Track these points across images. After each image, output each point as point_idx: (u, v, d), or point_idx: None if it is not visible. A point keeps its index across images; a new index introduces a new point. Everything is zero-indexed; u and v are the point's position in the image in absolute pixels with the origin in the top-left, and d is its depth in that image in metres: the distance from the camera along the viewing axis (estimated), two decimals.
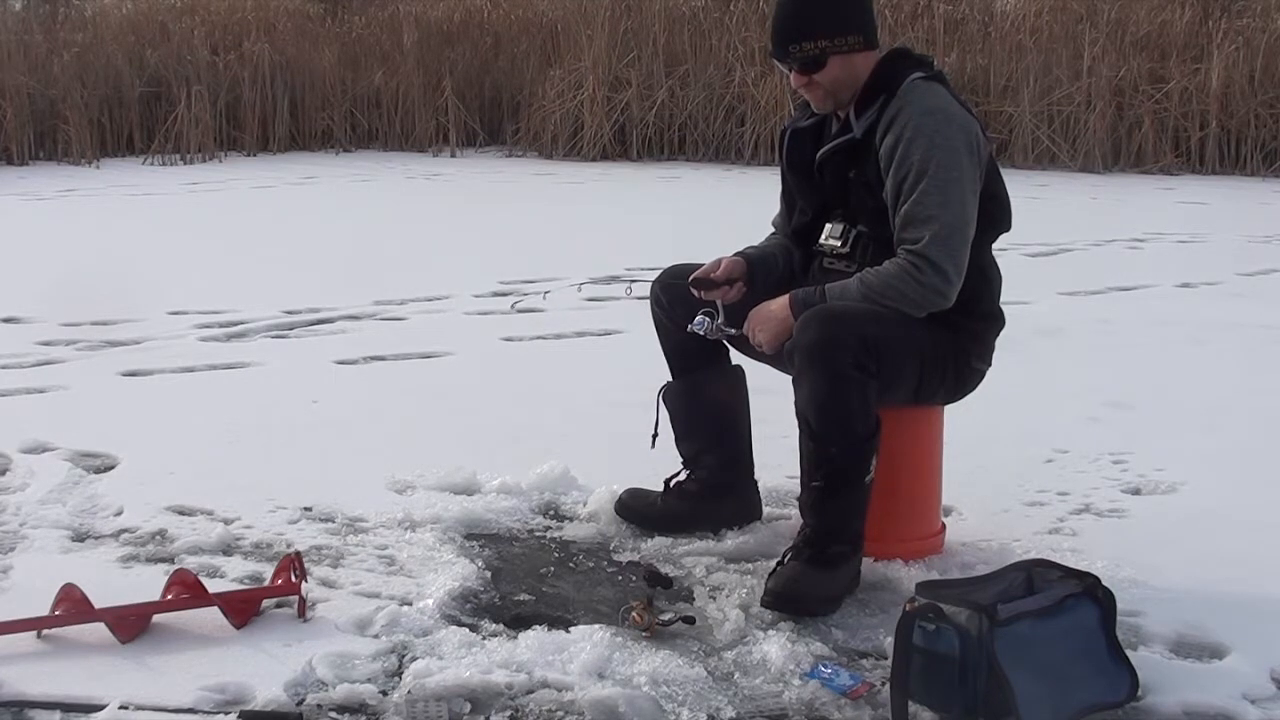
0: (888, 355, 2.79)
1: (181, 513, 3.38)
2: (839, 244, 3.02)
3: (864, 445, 2.80)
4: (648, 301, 3.30)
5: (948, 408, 3.12)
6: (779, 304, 2.94)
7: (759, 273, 3.13)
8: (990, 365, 3.05)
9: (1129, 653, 2.46)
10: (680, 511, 3.25)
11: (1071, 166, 12.75)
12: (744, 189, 10.85)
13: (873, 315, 2.80)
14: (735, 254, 3.18)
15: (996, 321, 3.04)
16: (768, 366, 3.14)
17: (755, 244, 3.25)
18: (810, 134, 3.10)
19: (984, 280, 2.99)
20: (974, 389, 3.06)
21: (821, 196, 3.07)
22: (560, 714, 2.37)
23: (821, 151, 3.03)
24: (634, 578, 2.97)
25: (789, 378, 2.86)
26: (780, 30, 3.00)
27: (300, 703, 2.39)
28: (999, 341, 3.06)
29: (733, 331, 3.07)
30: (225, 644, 2.60)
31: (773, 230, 3.29)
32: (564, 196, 10.83)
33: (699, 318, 3.10)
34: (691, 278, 3.12)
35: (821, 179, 3.05)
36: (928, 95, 2.90)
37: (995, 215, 2.97)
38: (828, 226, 3.05)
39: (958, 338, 2.95)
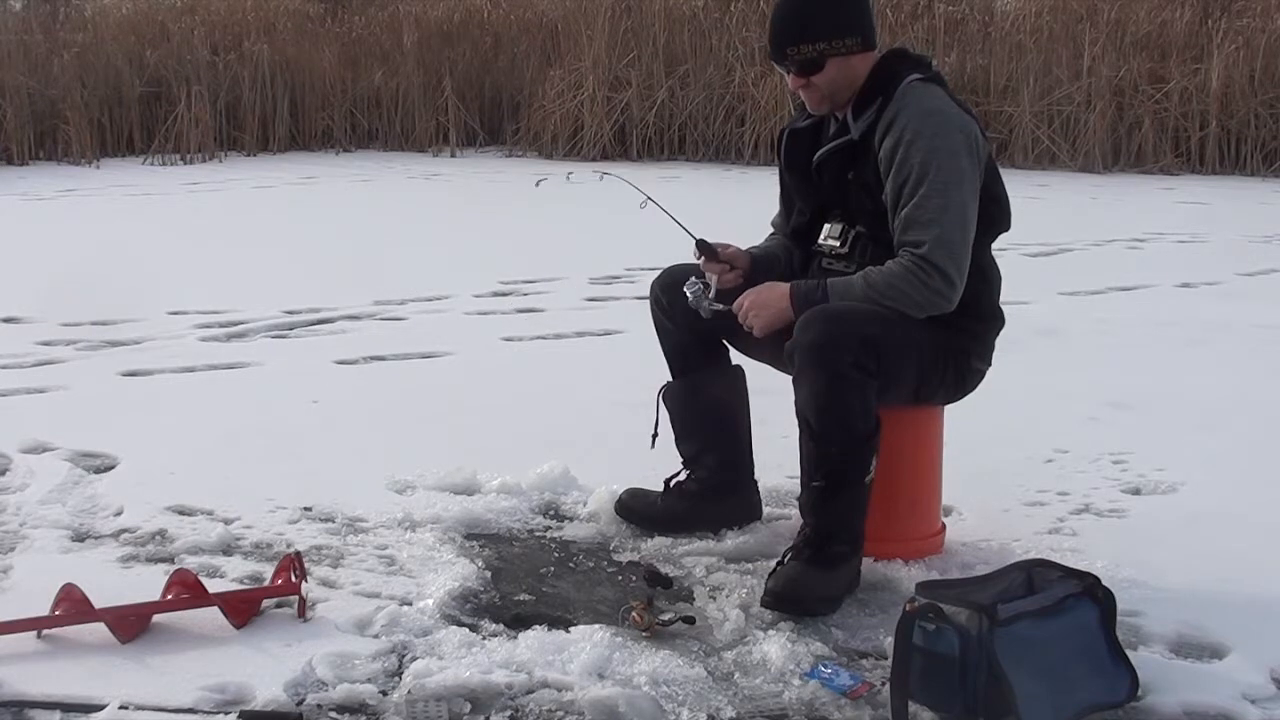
0: (888, 355, 2.79)
1: (181, 513, 3.38)
2: (838, 244, 3.02)
3: (864, 445, 2.80)
4: (648, 302, 3.30)
5: (948, 408, 3.12)
6: (779, 293, 2.93)
7: (761, 271, 3.13)
8: (990, 365, 3.05)
9: (1129, 653, 2.46)
10: (680, 511, 3.25)
11: (1071, 166, 12.75)
12: (744, 189, 10.86)
13: (873, 315, 2.80)
14: (748, 250, 3.18)
15: (996, 321, 3.04)
16: (768, 366, 3.14)
17: (758, 244, 3.25)
18: (808, 135, 3.10)
19: (984, 280, 2.99)
20: (974, 389, 3.06)
21: (820, 197, 3.07)
22: (560, 714, 2.37)
23: (819, 153, 3.03)
24: (634, 578, 2.97)
25: (789, 378, 2.86)
26: (778, 33, 2.99)
27: (300, 703, 2.39)
28: (999, 341, 3.06)
29: (719, 307, 3.05)
30: (225, 644, 2.60)
31: (772, 230, 3.30)
32: (564, 196, 10.81)
33: (692, 279, 3.10)
34: (700, 238, 3.12)
35: (820, 180, 3.05)
36: (926, 97, 2.90)
37: (995, 216, 2.97)
38: (826, 227, 3.05)
39: (958, 338, 2.95)
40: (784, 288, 2.94)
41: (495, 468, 3.60)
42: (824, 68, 2.94)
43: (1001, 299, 3.07)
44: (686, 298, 3.09)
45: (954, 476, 3.23)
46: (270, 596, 2.78)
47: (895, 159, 2.86)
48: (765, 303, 2.95)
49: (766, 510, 3.35)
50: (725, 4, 14.19)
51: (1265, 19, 13.15)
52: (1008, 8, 14.33)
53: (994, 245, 3.03)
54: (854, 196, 2.97)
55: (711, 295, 3.08)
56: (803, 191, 3.12)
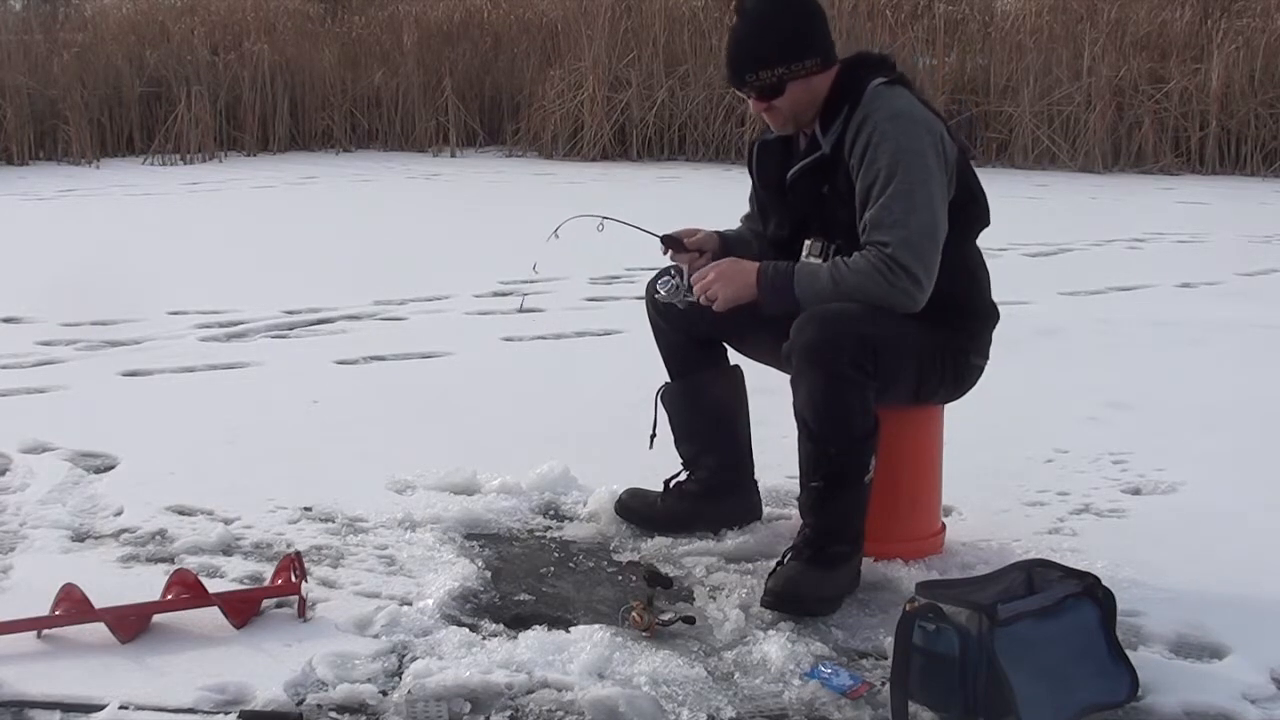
0: (885, 355, 2.78)
1: (181, 513, 3.38)
2: (820, 262, 3.00)
3: (862, 445, 2.80)
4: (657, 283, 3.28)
5: (948, 408, 3.12)
6: (745, 269, 2.91)
7: (736, 252, 3.13)
8: (988, 360, 3.04)
9: (1129, 653, 2.46)
10: (680, 512, 3.25)
11: (1071, 166, 12.75)
12: (743, 189, 10.79)
13: (870, 315, 2.79)
14: (714, 230, 3.18)
15: (991, 317, 3.03)
16: (767, 366, 3.14)
17: (733, 228, 3.25)
18: (778, 149, 3.07)
19: (972, 280, 2.99)
20: (973, 385, 3.05)
21: (796, 213, 3.04)
22: (560, 714, 2.37)
23: (793, 171, 3.00)
24: (634, 578, 2.96)
25: (788, 377, 2.85)
26: (736, 59, 2.96)
27: (300, 703, 2.39)
28: (999, 342, 3.06)
29: (695, 298, 3.05)
30: (225, 644, 2.60)
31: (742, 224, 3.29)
32: (564, 196, 10.83)
33: (665, 277, 3.09)
34: (664, 234, 3.11)
35: (795, 196, 3.03)
36: (891, 100, 2.87)
37: (974, 213, 2.96)
38: (807, 244, 3.01)
39: (955, 336, 2.94)
40: (752, 265, 2.91)
41: (495, 468, 3.60)
42: (785, 91, 2.91)
43: (1002, 299, 3.06)
44: (660, 295, 3.08)
45: (954, 476, 3.23)
46: (270, 596, 2.78)
47: (864, 161, 2.84)
48: (730, 276, 2.92)
49: (766, 510, 3.35)
50: (725, 4, 14.18)
51: (1265, 19, 13.14)
52: (1008, 8, 14.33)
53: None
54: (831, 210, 2.94)
55: (685, 285, 3.07)
56: (778, 207, 3.10)
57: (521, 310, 3.25)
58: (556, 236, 3.19)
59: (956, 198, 2.89)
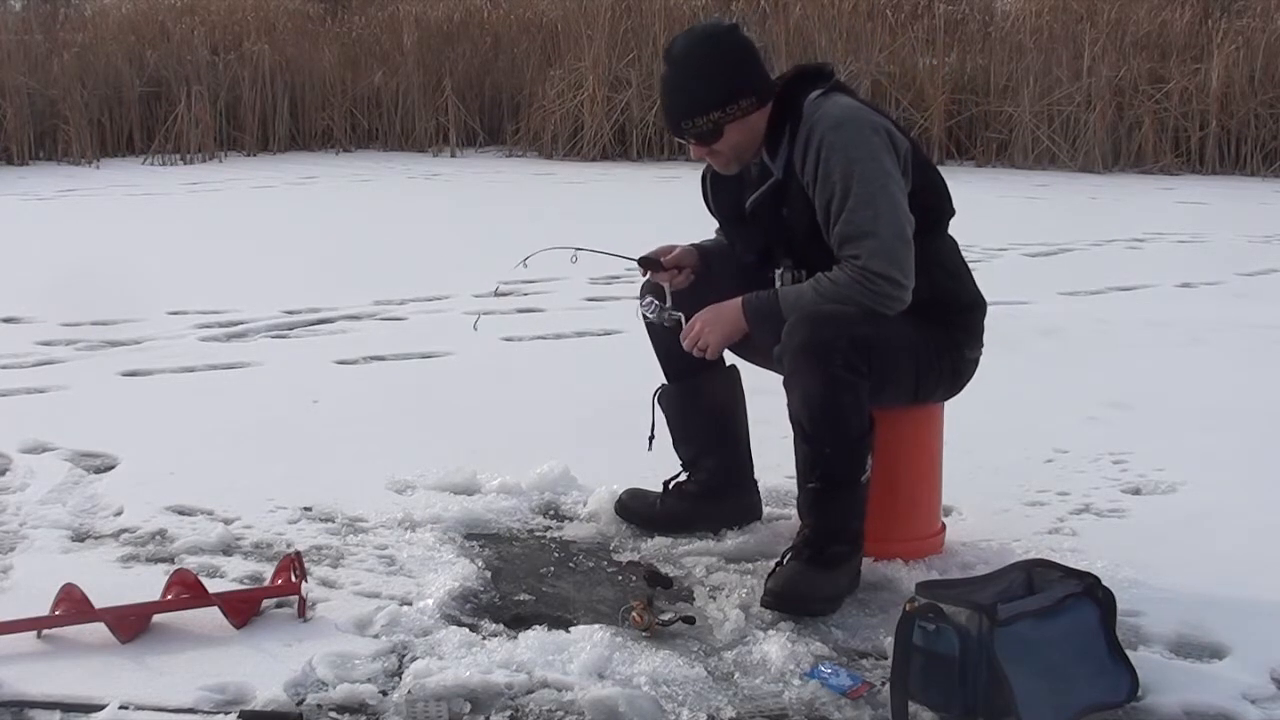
0: (879, 354, 2.78)
1: (181, 513, 3.39)
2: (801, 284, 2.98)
3: (858, 445, 2.80)
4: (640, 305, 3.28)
5: (948, 408, 3.12)
6: (731, 306, 2.92)
7: (715, 262, 3.12)
8: (982, 349, 3.04)
9: (1129, 653, 2.46)
10: (680, 512, 3.25)
11: (1071, 166, 12.74)
12: None
13: (862, 316, 2.78)
14: (691, 244, 3.18)
15: (979, 308, 3.03)
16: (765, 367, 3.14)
17: (707, 239, 3.25)
18: (729, 179, 3.05)
19: (953, 278, 2.98)
20: (970, 378, 3.04)
21: (760, 239, 3.03)
22: (560, 714, 2.37)
23: (750, 202, 2.98)
24: (634, 578, 2.97)
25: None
26: (670, 108, 2.95)
27: (300, 703, 2.39)
28: (1000, 341, 3.06)
29: (679, 315, 3.05)
30: (225, 644, 2.60)
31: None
32: (564, 196, 10.83)
33: (647, 299, 3.10)
34: (640, 256, 3.11)
35: (756, 224, 3.01)
36: (832, 108, 2.86)
37: (939, 207, 2.95)
38: (777, 273, 3.01)
39: (947, 331, 2.94)
40: (733, 304, 2.92)
41: (495, 468, 3.60)
42: (723, 134, 2.90)
43: (1002, 299, 3.06)
44: (647, 317, 3.08)
45: (954, 476, 3.23)
46: (270, 596, 2.78)
47: (818, 177, 2.82)
48: (716, 321, 2.94)
49: (766, 510, 3.35)
50: (725, 4, 14.19)
51: (1265, 19, 13.14)
52: (1008, 8, 14.34)
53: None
54: (794, 231, 2.93)
55: (668, 305, 3.07)
56: (742, 237, 3.08)
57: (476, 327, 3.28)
58: (525, 266, 3.19)
59: (918, 192, 2.88)
